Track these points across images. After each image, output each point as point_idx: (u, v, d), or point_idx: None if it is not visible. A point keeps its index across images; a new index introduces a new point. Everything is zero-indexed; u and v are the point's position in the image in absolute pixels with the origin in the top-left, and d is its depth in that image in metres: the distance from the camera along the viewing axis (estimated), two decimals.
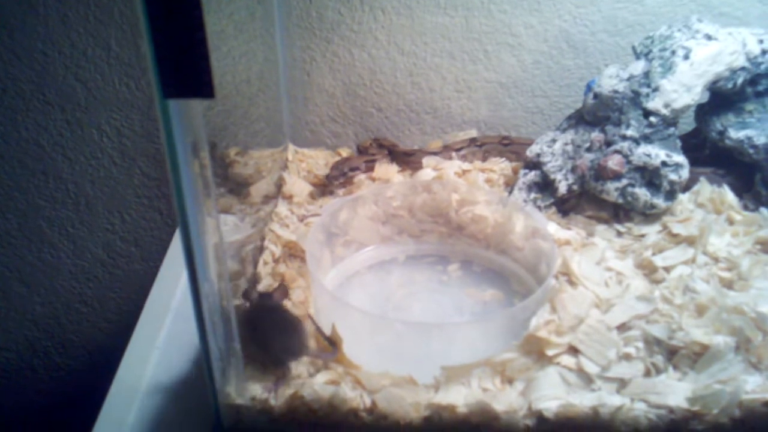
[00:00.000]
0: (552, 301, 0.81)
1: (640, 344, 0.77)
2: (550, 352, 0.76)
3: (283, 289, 0.86)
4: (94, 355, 1.48)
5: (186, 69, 0.57)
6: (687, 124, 1.05)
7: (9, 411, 1.54)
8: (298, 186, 1.09)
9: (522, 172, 1.03)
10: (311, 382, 0.74)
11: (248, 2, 1.07)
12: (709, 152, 1.04)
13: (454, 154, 1.11)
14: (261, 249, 0.96)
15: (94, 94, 1.20)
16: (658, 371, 0.75)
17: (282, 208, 1.05)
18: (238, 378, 0.73)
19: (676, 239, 0.91)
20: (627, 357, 0.76)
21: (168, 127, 0.59)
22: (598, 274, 0.87)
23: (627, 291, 0.83)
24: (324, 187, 1.09)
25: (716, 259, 0.88)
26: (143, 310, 0.94)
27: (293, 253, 0.96)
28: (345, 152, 1.19)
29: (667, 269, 0.87)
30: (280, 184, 1.09)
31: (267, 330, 0.79)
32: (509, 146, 1.14)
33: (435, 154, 1.12)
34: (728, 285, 0.84)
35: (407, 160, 1.12)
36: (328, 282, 0.93)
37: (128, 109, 1.21)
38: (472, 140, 1.15)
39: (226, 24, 0.98)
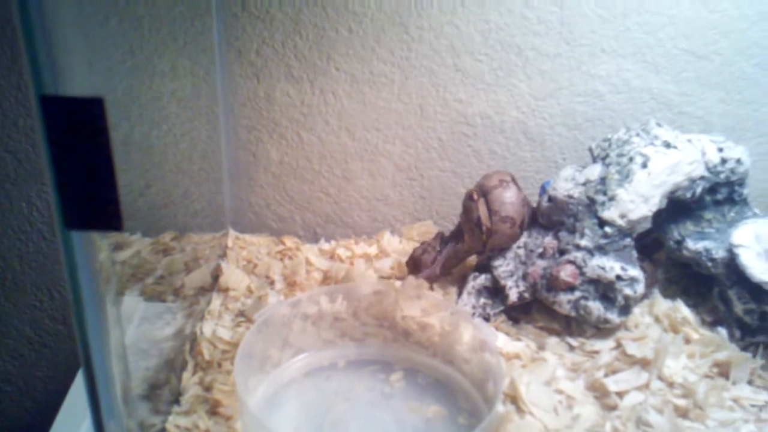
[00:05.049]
0: None
1: None
2: None
3: None
4: None
5: (91, 200, 0.51)
6: None
7: None
8: (235, 277, 1.02)
9: (472, 275, 0.98)
10: None
11: (193, 80, 1.01)
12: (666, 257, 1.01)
13: None
14: (189, 352, 0.89)
15: (25, 166, 1.12)
16: None
17: (216, 303, 0.98)
18: None
19: (630, 360, 0.86)
20: None
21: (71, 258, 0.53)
22: (548, 397, 0.81)
23: (577, 421, 0.78)
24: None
25: (671, 384, 0.83)
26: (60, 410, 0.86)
27: (226, 357, 0.89)
28: (289, 240, 1.12)
29: (620, 394, 0.81)
30: (216, 275, 1.03)
31: None
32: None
33: None
34: (683, 414, 0.79)
35: None
36: (263, 390, 0.86)
37: None
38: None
39: (168, 102, 0.92)
